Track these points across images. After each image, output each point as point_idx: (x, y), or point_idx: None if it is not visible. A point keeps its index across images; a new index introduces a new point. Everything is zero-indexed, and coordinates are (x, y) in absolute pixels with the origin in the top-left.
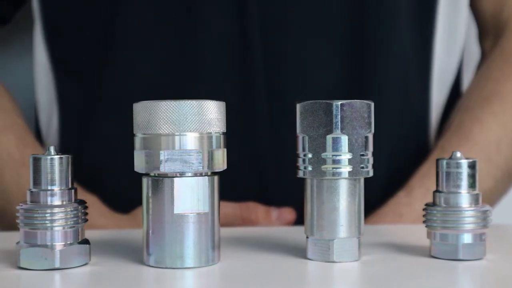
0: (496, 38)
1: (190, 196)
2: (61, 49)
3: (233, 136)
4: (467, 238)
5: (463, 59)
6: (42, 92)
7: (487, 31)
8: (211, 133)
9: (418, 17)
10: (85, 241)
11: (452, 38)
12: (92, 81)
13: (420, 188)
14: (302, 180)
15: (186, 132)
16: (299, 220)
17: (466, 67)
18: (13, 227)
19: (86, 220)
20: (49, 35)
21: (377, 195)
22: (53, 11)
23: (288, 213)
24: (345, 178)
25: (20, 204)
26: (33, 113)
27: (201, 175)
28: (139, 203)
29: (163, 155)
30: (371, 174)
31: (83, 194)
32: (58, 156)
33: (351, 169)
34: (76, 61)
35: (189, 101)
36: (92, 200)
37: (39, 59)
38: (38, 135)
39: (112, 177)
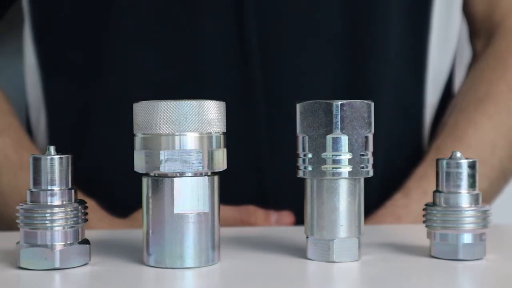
0: (487, 39)
1: (190, 196)
2: (50, 48)
3: (231, 138)
4: (467, 238)
5: (456, 59)
6: (31, 92)
7: (479, 32)
8: (211, 133)
9: (413, 18)
10: (85, 241)
11: (446, 38)
12: (84, 80)
13: (417, 189)
14: (302, 180)
15: (186, 132)
16: (299, 222)
17: (457, 67)
18: (11, 230)
19: (86, 220)
20: (37, 33)
21: (373, 197)
22: (42, 9)
23: (287, 217)
24: (345, 178)
25: (20, 204)
26: (25, 113)
27: (201, 175)
28: (138, 207)
29: (163, 155)
30: (371, 174)
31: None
32: (58, 156)
33: (351, 169)
34: (66, 60)
35: (189, 101)
36: (90, 205)
37: (28, 58)
38: (29, 135)
39: (110, 180)
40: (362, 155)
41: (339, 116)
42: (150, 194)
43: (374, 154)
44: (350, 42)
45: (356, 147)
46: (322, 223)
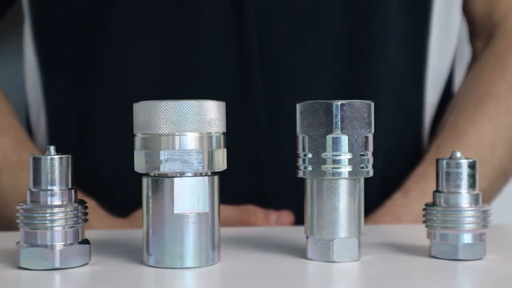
0: (487, 38)
1: (190, 196)
2: (50, 47)
3: (231, 138)
4: (467, 238)
5: (456, 58)
6: (31, 92)
7: (479, 31)
8: (211, 133)
9: (413, 18)
10: (85, 241)
11: (446, 38)
12: (84, 80)
13: (416, 189)
14: (302, 180)
15: (186, 132)
16: (299, 222)
17: (457, 66)
18: (11, 230)
19: (86, 220)
20: (37, 32)
21: (373, 197)
22: (42, 9)
23: (287, 216)
24: (345, 178)
25: (20, 204)
26: (25, 113)
27: (201, 175)
28: (138, 206)
29: (163, 155)
30: (371, 174)
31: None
32: (58, 156)
33: (351, 169)
34: (66, 59)
35: (189, 101)
36: (90, 205)
37: (28, 57)
38: (29, 134)
39: (110, 180)
40: (362, 155)
41: (339, 116)
42: (150, 194)
43: (374, 154)
44: (350, 42)
45: (356, 147)
46: (322, 223)
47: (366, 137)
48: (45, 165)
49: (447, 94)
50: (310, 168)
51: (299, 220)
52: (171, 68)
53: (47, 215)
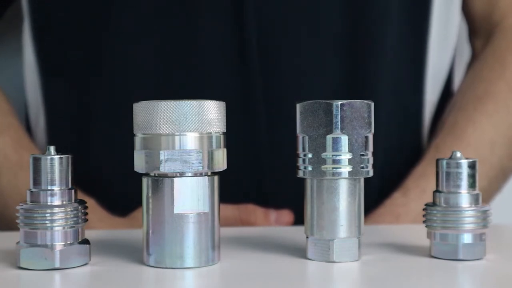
0: (487, 38)
1: (190, 196)
2: (50, 47)
3: (231, 138)
4: (467, 238)
5: (455, 57)
6: (31, 91)
7: (478, 31)
8: (211, 133)
9: (413, 17)
10: (85, 241)
11: (445, 37)
12: (84, 80)
13: (416, 188)
14: (302, 180)
15: (186, 132)
16: (298, 221)
17: (457, 65)
18: (11, 230)
19: (86, 220)
20: (37, 32)
21: (373, 197)
22: (42, 8)
23: (286, 215)
24: (345, 178)
25: (20, 204)
26: (24, 112)
27: (201, 175)
28: (137, 205)
29: (163, 155)
30: (371, 174)
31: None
32: (58, 156)
33: (351, 169)
34: (66, 59)
35: (189, 101)
36: (90, 204)
37: (27, 58)
38: (28, 134)
39: (110, 180)
40: (362, 155)
41: (339, 116)
42: (150, 194)
43: (374, 154)
44: (350, 42)
45: (356, 147)
46: (322, 223)
47: (366, 137)
48: (45, 165)
49: (447, 93)
50: (310, 168)
51: (299, 219)
52: (171, 68)
53: (47, 215)
